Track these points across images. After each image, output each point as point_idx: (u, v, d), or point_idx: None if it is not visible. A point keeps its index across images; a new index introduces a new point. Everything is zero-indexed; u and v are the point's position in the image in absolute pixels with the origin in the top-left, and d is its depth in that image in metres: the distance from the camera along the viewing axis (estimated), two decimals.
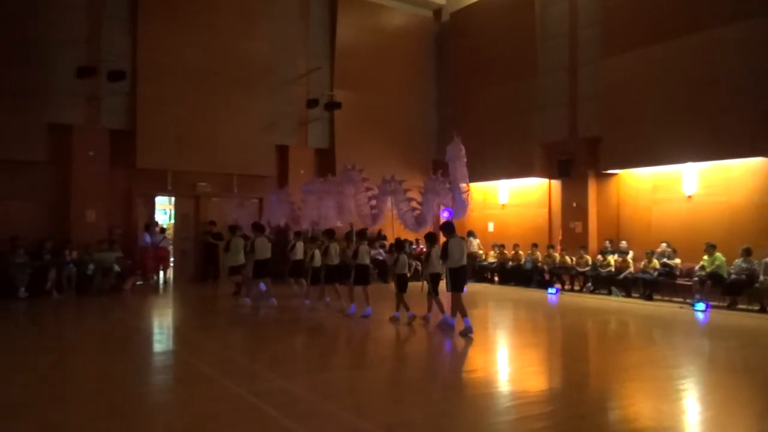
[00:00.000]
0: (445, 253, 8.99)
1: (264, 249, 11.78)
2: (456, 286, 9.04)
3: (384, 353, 7.87)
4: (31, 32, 13.75)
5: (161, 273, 16.17)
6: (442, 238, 9.34)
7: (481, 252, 17.64)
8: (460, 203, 9.85)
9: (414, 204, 10.87)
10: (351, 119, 18.23)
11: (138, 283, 14.98)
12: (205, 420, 4.89)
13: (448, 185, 10.10)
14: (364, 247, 10.68)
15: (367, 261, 10.67)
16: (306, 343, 8.65)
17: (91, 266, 13.41)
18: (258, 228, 12.11)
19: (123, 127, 15.06)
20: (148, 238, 15.41)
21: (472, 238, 17.40)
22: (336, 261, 11.13)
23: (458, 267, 8.98)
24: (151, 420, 4.97)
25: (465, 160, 9.79)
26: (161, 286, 15.40)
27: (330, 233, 11.37)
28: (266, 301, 11.77)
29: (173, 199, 17.13)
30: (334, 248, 11.22)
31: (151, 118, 15.10)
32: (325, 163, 17.92)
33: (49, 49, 14.04)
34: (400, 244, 10.89)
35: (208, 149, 15.83)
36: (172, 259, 16.71)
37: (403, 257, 10.64)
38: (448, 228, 9.26)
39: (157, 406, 5.43)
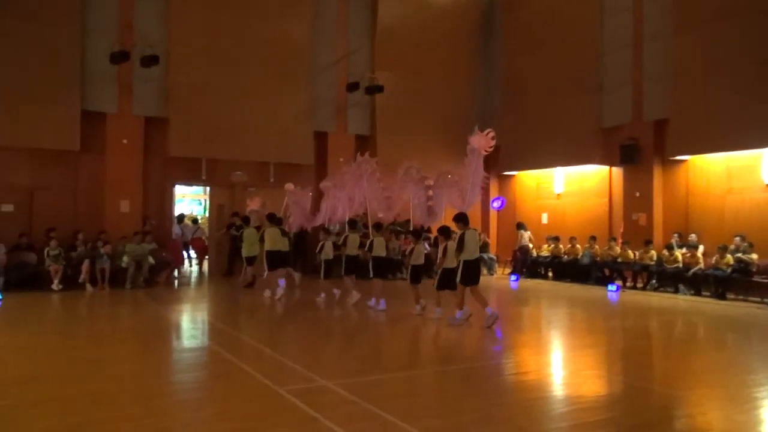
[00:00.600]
0: (461, 245, 9.22)
1: (274, 240, 12.26)
2: (471, 279, 9.36)
3: (429, 353, 7.88)
4: (62, 18, 14.22)
5: (196, 265, 16.61)
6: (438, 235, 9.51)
7: (531, 245, 17.48)
8: (471, 198, 10.22)
9: (429, 193, 11.21)
10: (393, 103, 18.25)
11: (173, 276, 15.40)
12: (243, 419, 4.99)
13: (452, 177, 10.60)
14: (379, 239, 11.06)
15: (383, 253, 11.02)
16: (346, 341, 8.75)
17: (125, 258, 13.81)
18: (271, 219, 12.61)
19: (156, 114, 15.50)
20: (178, 230, 15.85)
21: (522, 231, 17.23)
22: (355, 252, 11.53)
23: (473, 259, 9.32)
24: (187, 418, 5.10)
25: (484, 153, 10.05)
26: (196, 279, 15.80)
27: (352, 223, 11.92)
28: (279, 290, 12.28)
29: (208, 188, 17.49)
30: (354, 239, 11.57)
31: (184, 105, 15.48)
32: (366, 150, 17.93)
33: (81, 35, 14.51)
34: (417, 234, 11.03)
35: (244, 137, 16.12)
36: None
37: (420, 247, 10.72)
38: (464, 219, 9.53)
39: (192, 404, 5.57)
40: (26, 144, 14.15)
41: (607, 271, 15.45)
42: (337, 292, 12.14)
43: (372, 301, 11.05)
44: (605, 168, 16.95)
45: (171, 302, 12.12)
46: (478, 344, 8.50)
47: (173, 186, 16.59)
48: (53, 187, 14.58)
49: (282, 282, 12.47)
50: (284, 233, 13.08)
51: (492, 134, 9.89)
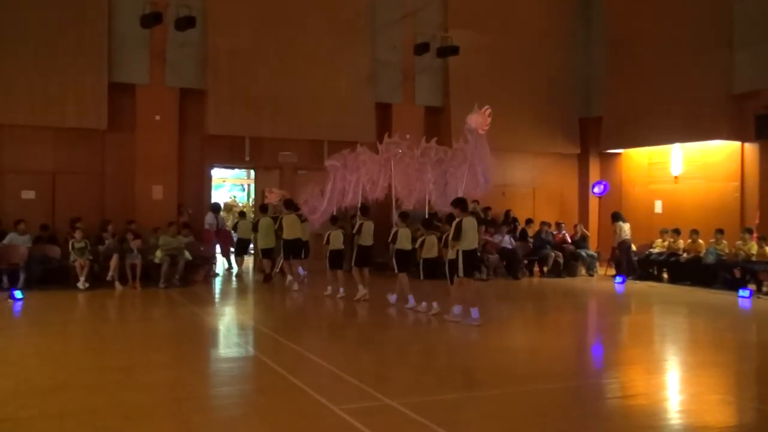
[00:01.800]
0: (457, 233, 9.77)
1: (292, 228, 13.40)
2: (470, 271, 9.97)
3: (513, 367, 7.82)
4: None
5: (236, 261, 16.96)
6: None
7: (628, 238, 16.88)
8: (482, 180, 10.81)
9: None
10: (471, 68, 18.14)
11: (213, 273, 15.84)
12: None
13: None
14: (404, 230, 11.58)
15: (408, 246, 11.55)
16: (409, 351, 8.82)
17: (158, 253, 14.12)
18: (288, 205, 13.65)
19: (193, 85, 15.89)
20: (211, 219, 16.29)
21: (621, 222, 16.80)
22: (370, 242, 12.29)
23: (473, 249, 9.98)
24: None
25: (482, 132, 10.69)
26: (237, 277, 16.23)
27: (364, 210, 12.50)
28: (299, 283, 13.47)
29: (252, 172, 17.85)
30: (368, 228, 12.27)
31: (225, 75, 15.80)
32: (437, 124, 18.05)
33: None
34: (428, 223, 11.45)
35: (294, 111, 16.34)
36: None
37: (432, 238, 11.01)
38: (463, 204, 10.18)
39: (235, 421, 5.72)
40: (46, 122, 14.65)
41: (737, 273, 14.87)
42: (329, 289, 12.83)
43: (393, 297, 11.80)
44: (736, 144, 16.40)
45: (210, 303, 12.46)
46: (574, 359, 8.43)
47: (212, 169, 16.99)
48: (78, 172, 15.16)
49: (302, 271, 13.18)
50: (303, 220, 13.88)
51: (489, 111, 10.60)
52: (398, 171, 12.38)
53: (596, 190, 19.50)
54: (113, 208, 15.24)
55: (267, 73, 16.09)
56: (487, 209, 17.92)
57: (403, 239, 11.57)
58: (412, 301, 11.41)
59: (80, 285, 13.20)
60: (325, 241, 12.77)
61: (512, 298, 13.80)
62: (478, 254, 10.14)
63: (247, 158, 16.81)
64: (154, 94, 15.54)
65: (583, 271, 17.50)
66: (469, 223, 9.93)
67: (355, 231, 12.46)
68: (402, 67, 17.98)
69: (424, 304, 10.99)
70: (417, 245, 11.17)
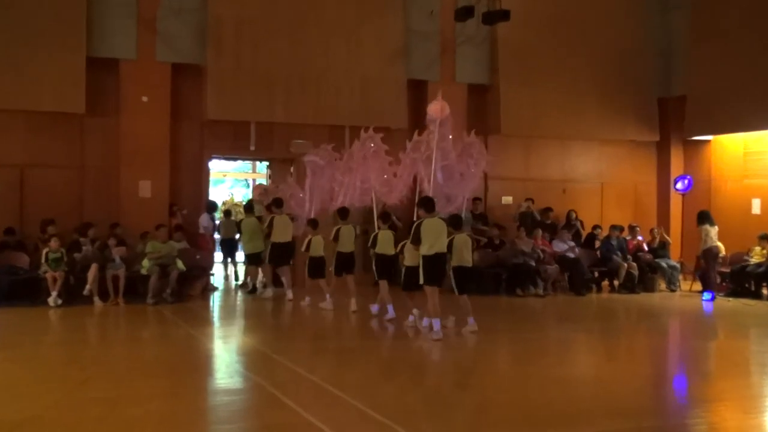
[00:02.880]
0: (416, 236, 10.62)
1: (285, 230, 14.41)
2: (432, 278, 10.69)
3: (570, 403, 7.72)
4: None
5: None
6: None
7: (719, 244, 16.67)
8: (440, 177, 12.10)
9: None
10: (524, 38, 18.10)
11: (211, 286, 15.99)
12: None
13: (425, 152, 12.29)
14: (385, 233, 12.60)
15: (391, 251, 12.44)
16: (439, 381, 8.80)
17: (146, 262, 14.02)
18: (278, 204, 14.48)
19: (189, 61, 15.94)
20: (207, 221, 16.41)
21: (708, 226, 16.49)
22: (350, 248, 13.37)
23: (434, 254, 10.62)
24: None
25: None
26: (242, 289, 16.32)
27: (343, 214, 13.50)
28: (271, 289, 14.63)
29: (259, 165, 17.98)
30: (347, 233, 13.37)
31: (228, 48, 15.87)
32: (483, 106, 18.06)
33: None
34: (386, 216, 12.82)
35: (310, 91, 16.38)
36: None
37: (388, 233, 12.44)
38: (428, 204, 10.96)
39: None
40: (12, 105, 14.71)
41: None
42: (307, 299, 13.92)
43: (374, 308, 12.64)
44: None
45: (208, 323, 12.58)
46: (651, 393, 8.34)
47: (210, 161, 17.04)
48: (50, 164, 15.24)
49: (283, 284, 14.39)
50: (292, 219, 14.85)
51: (440, 98, 11.96)
52: (375, 167, 13.27)
53: (679, 186, 19.27)
54: (93, 208, 15.36)
55: (279, 47, 16.08)
56: (546, 210, 17.92)
57: (384, 243, 12.43)
58: (391, 311, 12.22)
59: (52, 301, 13.10)
60: (304, 248, 13.81)
61: (575, 318, 13.75)
62: (443, 260, 10.84)
63: (253, 147, 16.80)
64: (142, 71, 15.57)
65: (663, 285, 17.38)
66: (431, 226, 10.65)
67: (332, 237, 13.36)
68: (440, 38, 17.88)
69: (411, 317, 11.61)
70: (399, 251, 11.93)
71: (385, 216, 12.97)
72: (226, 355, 10.31)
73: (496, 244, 16.83)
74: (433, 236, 10.62)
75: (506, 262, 16.27)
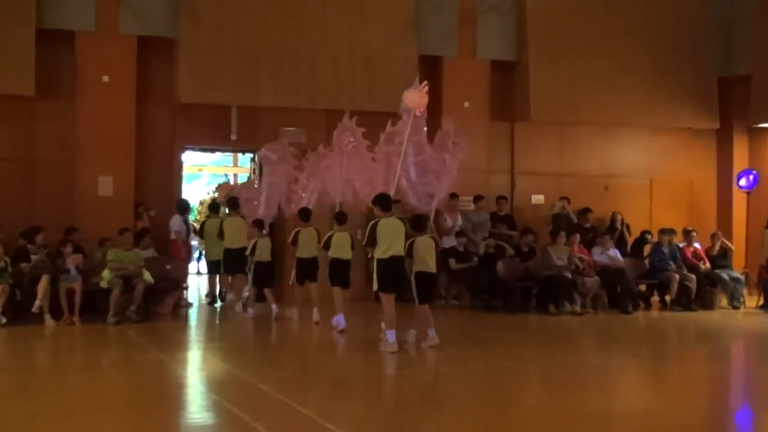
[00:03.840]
0: (371, 238, 11.26)
1: (238, 234, 15.22)
2: (388, 285, 11.31)
3: None
4: None
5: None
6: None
7: None
8: (413, 174, 12.59)
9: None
10: (558, 7, 18.16)
11: (184, 301, 15.96)
12: None
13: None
14: (341, 235, 13.23)
15: (347, 255, 13.30)
16: (462, 414, 8.68)
17: (107, 274, 13.91)
18: (232, 204, 15.61)
19: (159, 33, 15.97)
20: (178, 224, 16.37)
21: None
22: (313, 253, 14.02)
23: (390, 258, 11.23)
24: None
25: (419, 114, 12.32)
26: (222, 304, 16.39)
27: (304, 215, 14.25)
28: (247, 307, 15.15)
29: (242, 157, 17.92)
30: (307, 236, 14.05)
31: (207, 19, 15.94)
32: (509, 85, 18.09)
33: None
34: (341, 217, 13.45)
35: (303, 70, 16.35)
36: None
37: (344, 236, 13.25)
38: (383, 202, 11.60)
39: None
40: None
41: None
42: (249, 311, 14.96)
43: (335, 320, 13.22)
44: None
45: (181, 347, 12.51)
46: (709, 429, 8.38)
47: (183, 153, 17.01)
48: None
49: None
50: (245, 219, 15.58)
51: (426, 89, 12.28)
52: (355, 164, 13.81)
53: (743, 182, 19.28)
54: (43, 208, 15.34)
55: (266, 17, 16.09)
56: (584, 212, 17.91)
57: (339, 246, 13.14)
58: (341, 322, 13.11)
59: None
60: (249, 251, 14.52)
61: (619, 340, 13.71)
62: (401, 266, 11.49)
63: (234, 137, 16.77)
64: (102, 46, 15.57)
65: (724, 301, 17.27)
66: (387, 226, 11.25)
67: (289, 240, 14.25)
68: (458, 7, 17.84)
69: (389, 337, 11.50)
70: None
71: (340, 216, 13.44)
72: (201, 384, 10.23)
73: (524, 252, 16.69)
74: (390, 238, 11.20)
75: (537, 274, 16.19)
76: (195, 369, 11.19)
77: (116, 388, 9.79)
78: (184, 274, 16.62)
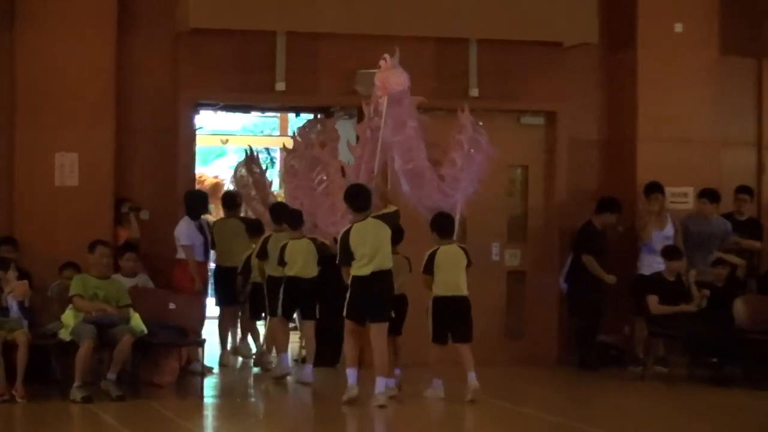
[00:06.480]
0: (343, 253, 10.44)
1: (227, 245, 14.03)
2: (353, 311, 10.59)
3: None
4: None
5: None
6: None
7: None
8: (405, 186, 11.81)
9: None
10: None
11: (196, 365, 12.49)
12: None
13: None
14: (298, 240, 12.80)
15: (311, 273, 12.67)
16: None
17: (70, 316, 11.41)
18: (226, 203, 14.37)
19: None
20: (188, 235, 13.76)
21: None
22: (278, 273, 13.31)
23: (367, 275, 10.42)
24: None
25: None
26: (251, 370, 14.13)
27: (276, 214, 13.49)
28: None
29: (293, 119, 16.98)
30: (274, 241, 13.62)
31: None
32: None
33: None
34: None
35: None
36: None
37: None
38: (356, 202, 10.72)
39: None
40: None
41: None
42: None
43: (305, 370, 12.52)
44: None
45: None
46: None
47: (196, 113, 14.19)
48: None
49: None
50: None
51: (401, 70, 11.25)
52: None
53: None
54: None
55: None
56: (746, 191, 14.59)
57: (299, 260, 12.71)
58: (286, 360, 12.47)
59: None
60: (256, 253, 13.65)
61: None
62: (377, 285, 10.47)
63: (282, 87, 13.47)
64: None
65: None
66: (361, 234, 10.50)
67: (255, 253, 12.89)
68: None
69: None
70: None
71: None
72: None
73: None
74: (365, 249, 10.53)
75: None
76: None
77: None
78: (198, 317, 13.43)
